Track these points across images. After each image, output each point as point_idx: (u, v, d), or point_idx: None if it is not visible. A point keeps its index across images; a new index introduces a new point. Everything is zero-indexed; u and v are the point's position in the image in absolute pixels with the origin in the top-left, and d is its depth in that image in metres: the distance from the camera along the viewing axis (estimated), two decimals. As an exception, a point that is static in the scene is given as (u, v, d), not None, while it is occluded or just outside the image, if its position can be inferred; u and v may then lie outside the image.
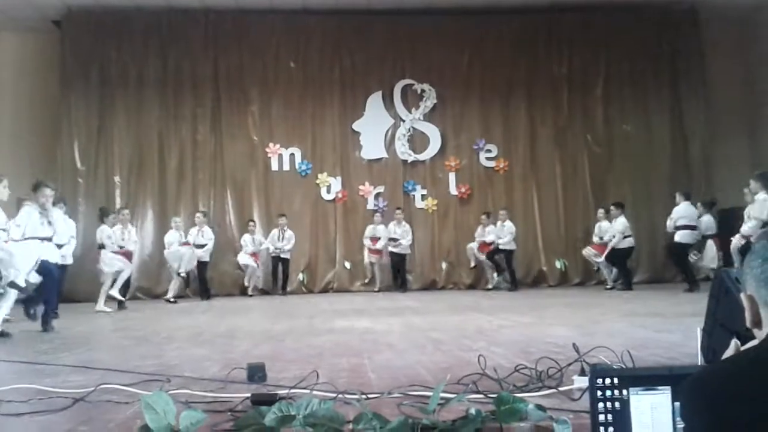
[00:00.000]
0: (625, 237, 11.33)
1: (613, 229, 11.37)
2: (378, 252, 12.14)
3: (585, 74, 13.26)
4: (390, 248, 12.13)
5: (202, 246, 11.33)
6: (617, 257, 11.33)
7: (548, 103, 13.21)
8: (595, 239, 11.74)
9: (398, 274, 12.21)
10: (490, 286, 11.94)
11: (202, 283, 11.50)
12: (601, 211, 11.81)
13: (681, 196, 10.67)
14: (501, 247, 11.80)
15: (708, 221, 10.82)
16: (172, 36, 12.70)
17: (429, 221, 13.01)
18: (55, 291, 7.02)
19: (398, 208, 12.46)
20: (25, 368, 4.11)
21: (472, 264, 12.51)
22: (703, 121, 13.19)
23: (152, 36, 12.67)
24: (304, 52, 12.99)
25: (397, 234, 12.12)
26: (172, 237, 11.16)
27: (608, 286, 11.35)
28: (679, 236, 10.51)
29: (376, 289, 12.11)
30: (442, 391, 2.32)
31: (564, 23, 13.08)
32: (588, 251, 11.80)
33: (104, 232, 9.67)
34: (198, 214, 11.73)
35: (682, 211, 10.57)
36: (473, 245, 12.26)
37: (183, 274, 11.01)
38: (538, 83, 13.17)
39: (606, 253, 11.32)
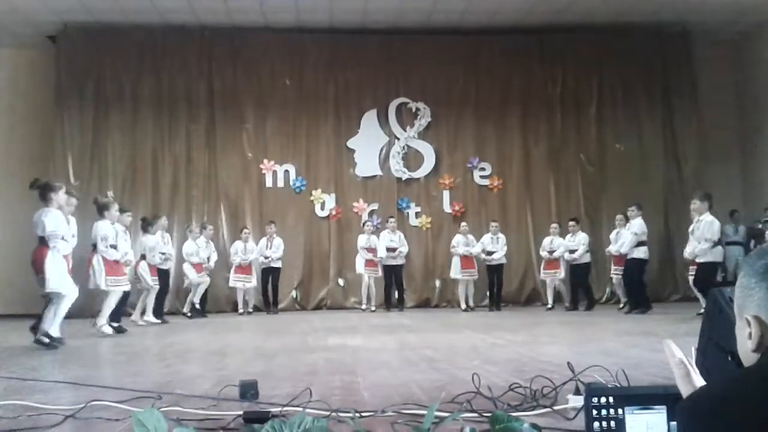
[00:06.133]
0: (639, 244, 10.02)
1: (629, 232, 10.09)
2: (374, 264, 11.66)
3: (578, 94, 13.35)
4: (386, 261, 11.68)
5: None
6: (628, 269, 10.07)
7: (542, 122, 13.28)
8: (613, 250, 10.59)
9: (394, 289, 11.80)
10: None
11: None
12: (619, 217, 10.84)
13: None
14: (498, 262, 11.65)
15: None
16: (166, 52, 12.73)
17: (423, 239, 13.00)
18: None
19: (390, 217, 12.23)
20: (15, 384, 4.06)
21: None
22: (696, 141, 13.28)
23: (147, 52, 12.69)
24: (299, 69, 13.04)
25: (394, 242, 11.82)
26: (190, 248, 10.98)
27: (622, 307, 10.39)
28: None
29: (373, 309, 11.59)
30: (436, 410, 2.30)
31: (556, 43, 13.18)
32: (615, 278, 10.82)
33: (147, 243, 9.63)
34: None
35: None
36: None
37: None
38: (531, 102, 13.25)
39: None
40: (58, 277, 6.40)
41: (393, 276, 11.82)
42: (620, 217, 10.91)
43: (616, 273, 10.84)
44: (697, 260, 8.84)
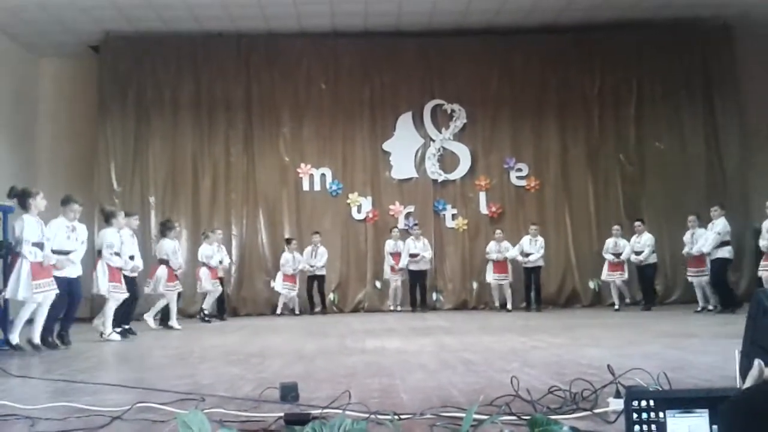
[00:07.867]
0: (723, 244, 9.81)
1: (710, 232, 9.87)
2: (396, 271, 12.06)
3: (616, 92, 13.16)
4: (410, 266, 12.01)
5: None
6: (714, 270, 9.86)
7: (579, 122, 13.13)
8: (694, 250, 10.29)
9: (418, 292, 12.04)
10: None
11: (220, 303, 11.45)
12: (692, 218, 10.53)
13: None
14: (534, 264, 11.70)
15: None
16: (205, 59, 12.95)
17: (460, 241, 12.97)
18: (75, 307, 7.28)
19: (415, 224, 12.44)
20: (63, 386, 4.19)
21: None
22: (738, 137, 12.99)
23: (186, 60, 12.93)
24: (334, 73, 13.14)
25: (417, 249, 12.03)
26: (207, 251, 10.90)
27: (699, 309, 10.12)
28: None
29: (392, 308, 12.13)
30: (474, 413, 2.31)
31: (592, 41, 13.02)
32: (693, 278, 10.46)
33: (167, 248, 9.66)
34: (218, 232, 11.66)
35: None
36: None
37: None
38: (568, 102, 13.10)
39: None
40: (14, 282, 6.31)
41: (417, 280, 12.09)
42: (692, 218, 10.62)
43: (695, 275, 10.39)
44: None
